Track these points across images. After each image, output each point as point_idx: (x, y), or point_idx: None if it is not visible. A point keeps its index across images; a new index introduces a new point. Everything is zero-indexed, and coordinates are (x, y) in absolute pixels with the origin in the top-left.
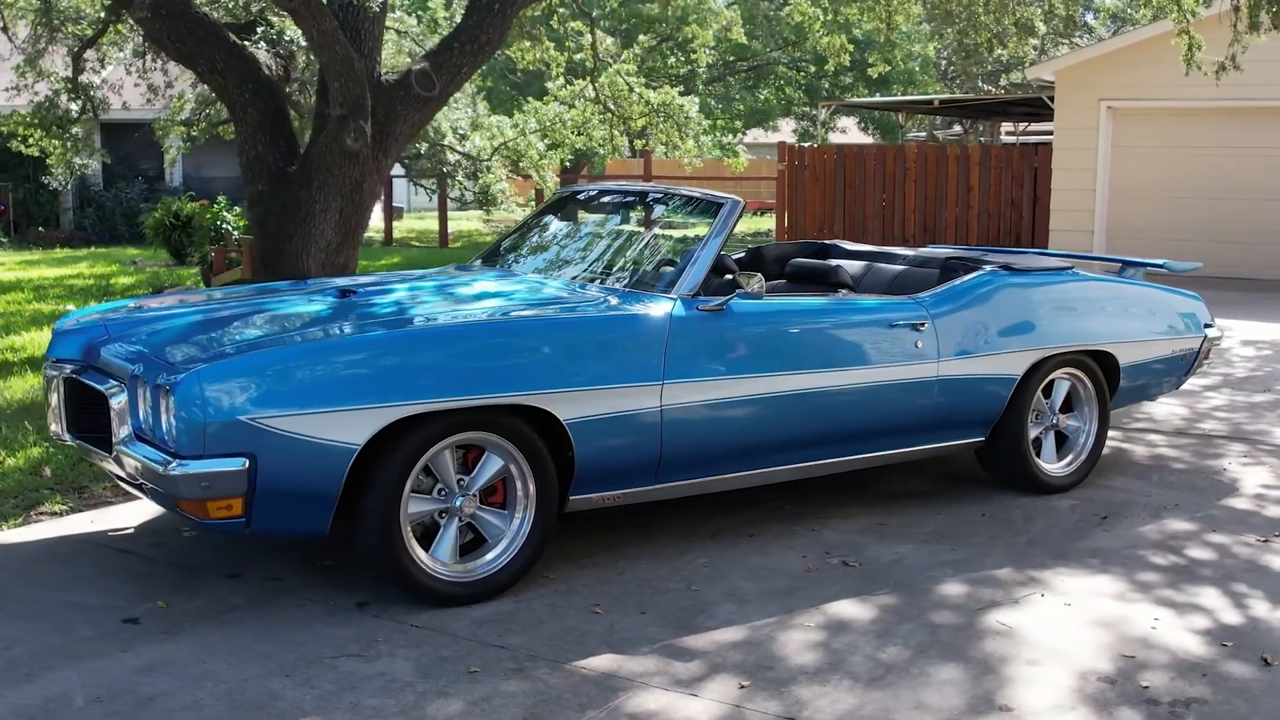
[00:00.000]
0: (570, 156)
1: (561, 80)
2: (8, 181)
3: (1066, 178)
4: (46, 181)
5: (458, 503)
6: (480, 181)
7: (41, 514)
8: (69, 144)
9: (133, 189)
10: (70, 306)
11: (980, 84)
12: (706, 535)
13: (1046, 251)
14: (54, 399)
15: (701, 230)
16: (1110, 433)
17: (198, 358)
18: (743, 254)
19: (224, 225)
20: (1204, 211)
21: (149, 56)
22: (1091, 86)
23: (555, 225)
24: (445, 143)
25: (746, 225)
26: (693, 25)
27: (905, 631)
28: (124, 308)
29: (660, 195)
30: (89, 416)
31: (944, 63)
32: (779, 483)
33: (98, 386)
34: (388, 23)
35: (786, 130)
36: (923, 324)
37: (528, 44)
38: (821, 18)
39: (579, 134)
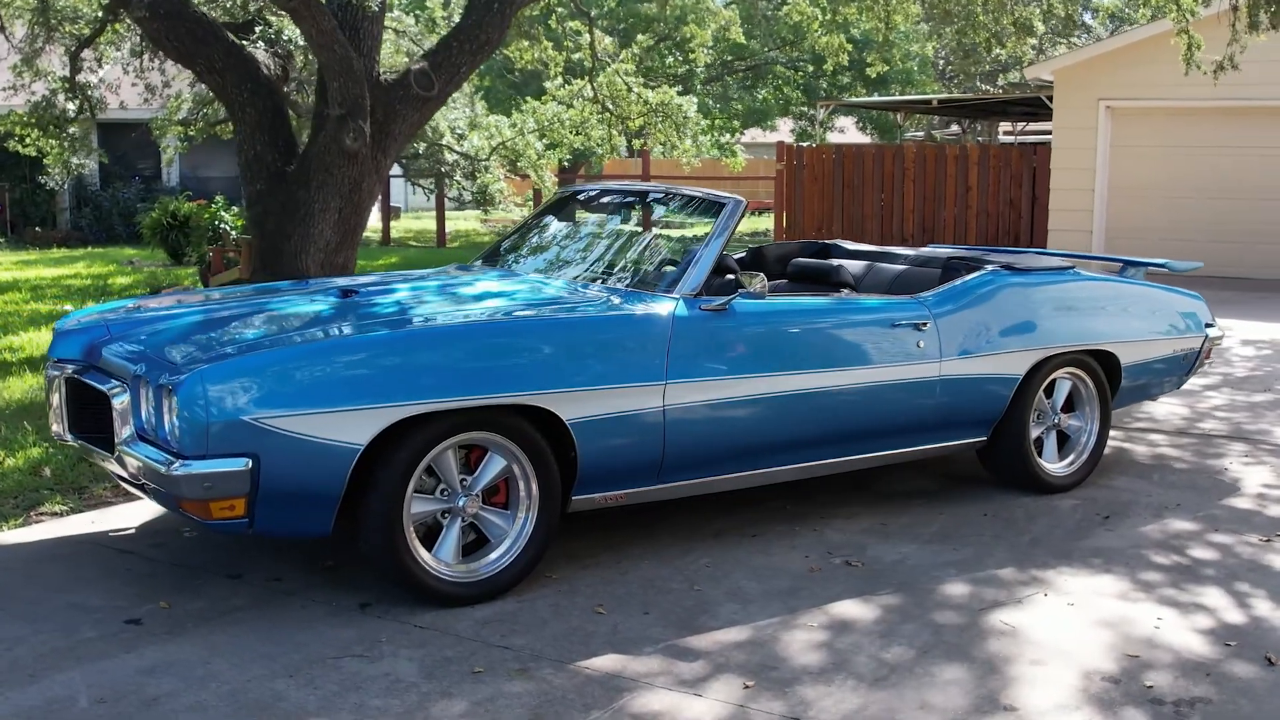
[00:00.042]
0: (568, 156)
1: (560, 80)
2: (4, 181)
3: (1065, 177)
4: (43, 181)
5: (460, 503)
6: (478, 181)
7: (42, 514)
8: (66, 144)
9: (129, 189)
10: (68, 307)
11: (978, 84)
12: (709, 535)
13: (1048, 251)
14: (56, 399)
15: (703, 230)
16: (1111, 432)
17: (200, 358)
18: (743, 254)
19: (222, 225)
20: (1202, 211)
21: (146, 56)
22: (1090, 86)
23: (557, 225)
24: (443, 142)
25: (744, 225)
26: (691, 25)
27: (909, 631)
28: (123, 308)
29: (662, 195)
30: (91, 417)
31: (942, 62)
32: (781, 483)
33: (100, 387)
34: (385, 22)
35: (784, 130)
36: (925, 324)
37: (526, 43)
38: (820, 17)
39: (577, 134)
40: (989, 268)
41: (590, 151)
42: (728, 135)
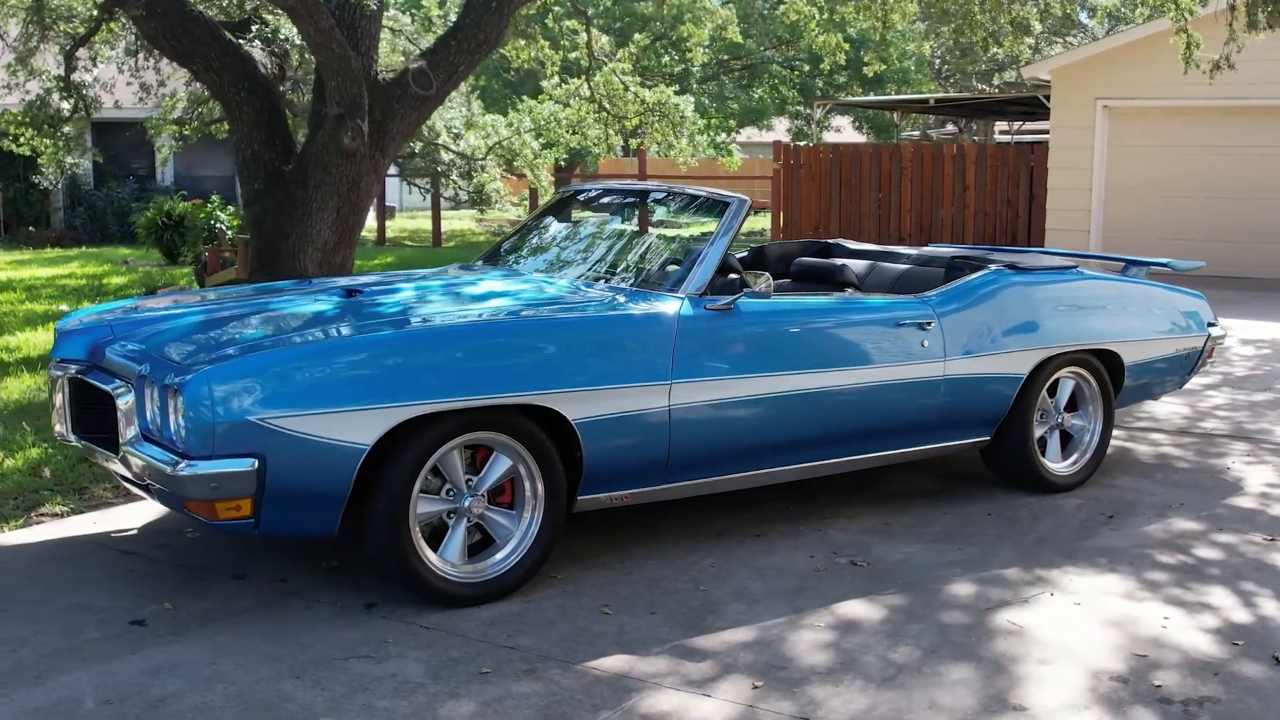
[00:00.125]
0: (565, 155)
1: (556, 79)
2: None
3: (1063, 177)
4: (37, 181)
5: (466, 503)
6: (474, 181)
7: (42, 515)
8: (60, 143)
9: (124, 188)
10: (64, 307)
11: (975, 83)
12: (713, 535)
13: (1051, 250)
14: (59, 399)
15: (706, 229)
16: (1114, 432)
17: (206, 358)
18: (745, 253)
19: (217, 225)
20: (1200, 211)
21: (142, 55)
22: (1088, 85)
23: (559, 224)
24: (440, 142)
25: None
26: (687, 24)
27: (915, 631)
28: (121, 308)
29: (665, 194)
30: (94, 417)
31: (939, 62)
32: (783, 482)
33: (104, 387)
34: (383, 21)
35: (780, 129)
36: (929, 323)
37: (523, 42)
38: (817, 16)
39: (573, 133)
40: (993, 267)
41: (586, 151)
42: (724, 134)
